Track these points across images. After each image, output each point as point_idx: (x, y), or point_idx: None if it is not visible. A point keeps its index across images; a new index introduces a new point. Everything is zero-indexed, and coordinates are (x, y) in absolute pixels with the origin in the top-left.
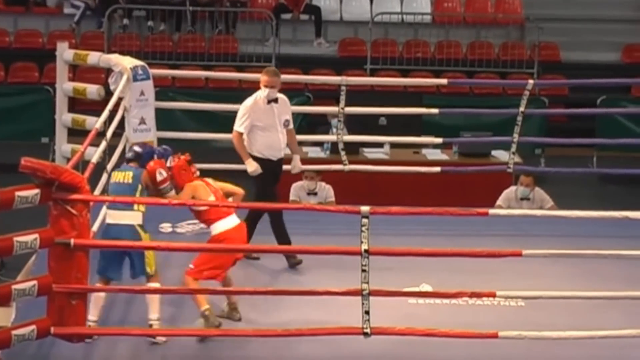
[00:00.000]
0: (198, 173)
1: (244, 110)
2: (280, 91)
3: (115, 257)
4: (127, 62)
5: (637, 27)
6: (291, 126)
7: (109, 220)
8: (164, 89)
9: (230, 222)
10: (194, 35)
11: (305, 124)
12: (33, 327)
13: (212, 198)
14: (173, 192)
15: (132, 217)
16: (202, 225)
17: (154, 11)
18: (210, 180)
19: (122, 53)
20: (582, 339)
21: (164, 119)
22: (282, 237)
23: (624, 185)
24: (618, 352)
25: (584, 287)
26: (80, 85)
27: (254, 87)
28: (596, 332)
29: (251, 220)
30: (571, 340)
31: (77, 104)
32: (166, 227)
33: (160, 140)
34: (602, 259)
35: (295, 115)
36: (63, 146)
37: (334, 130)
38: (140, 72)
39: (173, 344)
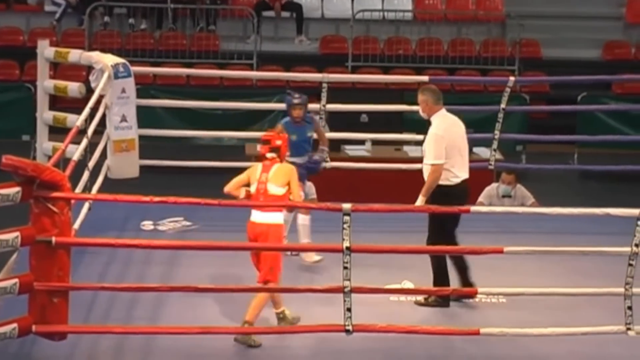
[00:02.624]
0: (271, 155)
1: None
2: (263, 89)
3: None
4: (108, 60)
5: (618, 24)
6: None
7: None
8: (145, 87)
9: (254, 216)
10: (175, 32)
11: None
12: (14, 325)
13: (254, 186)
14: None
15: None
16: (184, 222)
17: (135, 8)
18: (278, 169)
19: (103, 50)
20: (563, 336)
21: (146, 117)
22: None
23: (604, 182)
24: (599, 349)
25: (566, 284)
26: (61, 82)
27: (235, 84)
28: (577, 328)
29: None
30: (552, 337)
31: (58, 101)
32: (148, 224)
33: (142, 138)
34: (584, 255)
35: (276, 113)
36: (44, 144)
37: None
38: (121, 69)
39: (157, 341)
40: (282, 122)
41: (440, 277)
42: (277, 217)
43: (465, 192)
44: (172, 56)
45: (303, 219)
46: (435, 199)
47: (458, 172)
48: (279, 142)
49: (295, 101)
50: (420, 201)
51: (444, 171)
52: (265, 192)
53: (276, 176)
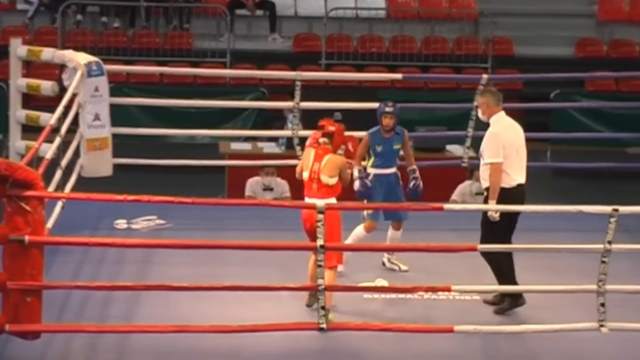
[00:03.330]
0: (322, 140)
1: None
2: (237, 87)
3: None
4: (81, 58)
5: (590, 22)
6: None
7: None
8: (118, 85)
9: (309, 201)
10: (149, 31)
11: (261, 119)
12: None
13: (306, 173)
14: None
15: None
16: (158, 221)
17: (108, 7)
18: (330, 159)
19: (76, 49)
20: (537, 333)
21: (119, 115)
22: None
23: (577, 179)
24: (573, 345)
25: (539, 281)
26: (34, 81)
27: (208, 82)
28: (551, 325)
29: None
30: (527, 334)
31: (31, 100)
32: (121, 223)
33: (115, 137)
34: (557, 252)
35: (250, 111)
36: (17, 143)
37: (290, 125)
38: (94, 68)
39: (130, 339)
40: (370, 131)
41: (506, 279)
42: (330, 201)
43: (523, 197)
44: (146, 54)
45: (394, 234)
46: (498, 202)
47: (515, 175)
48: (332, 128)
49: (387, 109)
50: (491, 203)
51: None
52: (319, 181)
53: (327, 166)
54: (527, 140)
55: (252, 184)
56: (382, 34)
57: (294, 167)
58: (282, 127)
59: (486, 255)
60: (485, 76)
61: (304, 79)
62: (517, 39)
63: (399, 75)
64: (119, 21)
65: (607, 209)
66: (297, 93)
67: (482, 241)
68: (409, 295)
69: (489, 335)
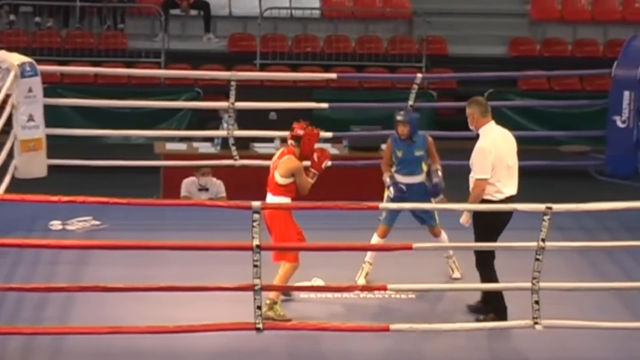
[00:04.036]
0: (290, 142)
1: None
2: (172, 87)
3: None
4: (14, 59)
5: (523, 21)
6: None
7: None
8: (52, 86)
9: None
10: (82, 31)
11: (196, 119)
12: None
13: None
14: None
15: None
16: (93, 222)
17: (41, 7)
18: (287, 160)
19: (9, 49)
20: (472, 331)
21: (53, 116)
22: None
23: None
24: (506, 343)
25: (474, 278)
26: None
27: (143, 82)
28: (486, 323)
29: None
30: (461, 331)
31: None
32: (56, 224)
33: (49, 137)
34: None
35: (185, 111)
36: None
37: (225, 125)
38: (28, 68)
39: (65, 341)
40: (391, 136)
41: (492, 293)
42: (274, 199)
43: (509, 211)
44: (80, 55)
45: (437, 240)
46: (479, 215)
47: (503, 188)
48: (300, 132)
49: (398, 117)
50: (466, 215)
51: (488, 186)
52: (272, 177)
53: (281, 166)
54: (461, 139)
55: (188, 184)
56: (317, 34)
57: (229, 167)
58: (217, 127)
59: (479, 267)
60: (419, 75)
61: (239, 79)
62: (451, 39)
63: (333, 75)
64: (52, 21)
65: (541, 206)
66: (232, 93)
67: (477, 257)
68: (344, 295)
69: (424, 334)
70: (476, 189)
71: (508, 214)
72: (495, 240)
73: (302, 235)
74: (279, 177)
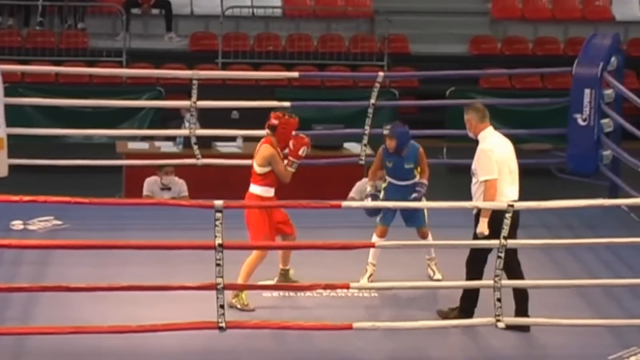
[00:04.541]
0: (267, 131)
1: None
2: (133, 86)
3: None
4: None
5: (484, 20)
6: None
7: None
8: (13, 85)
9: None
10: (43, 30)
11: (158, 118)
12: None
13: None
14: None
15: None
16: (55, 222)
17: (2, 6)
18: (262, 148)
19: None
20: (435, 329)
21: (14, 115)
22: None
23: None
24: (469, 340)
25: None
26: None
27: (104, 82)
28: (449, 321)
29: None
30: (425, 330)
31: None
32: (17, 224)
33: (10, 137)
34: (453, 248)
35: (147, 110)
36: None
37: (187, 124)
38: None
39: (28, 341)
40: (383, 146)
41: (469, 291)
42: (254, 189)
43: (516, 216)
44: (41, 54)
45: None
46: (493, 221)
47: (506, 192)
48: (275, 121)
49: (385, 132)
50: (482, 224)
51: None
52: (252, 168)
53: (258, 155)
54: (422, 137)
55: (150, 183)
56: (279, 33)
57: (191, 166)
58: (179, 127)
59: (467, 265)
60: (381, 74)
61: (201, 77)
62: (413, 37)
63: (295, 74)
64: (13, 20)
65: (503, 204)
66: (194, 92)
67: (470, 255)
68: (307, 293)
69: (387, 332)
70: (488, 191)
71: (514, 221)
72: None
73: (287, 226)
74: (256, 167)
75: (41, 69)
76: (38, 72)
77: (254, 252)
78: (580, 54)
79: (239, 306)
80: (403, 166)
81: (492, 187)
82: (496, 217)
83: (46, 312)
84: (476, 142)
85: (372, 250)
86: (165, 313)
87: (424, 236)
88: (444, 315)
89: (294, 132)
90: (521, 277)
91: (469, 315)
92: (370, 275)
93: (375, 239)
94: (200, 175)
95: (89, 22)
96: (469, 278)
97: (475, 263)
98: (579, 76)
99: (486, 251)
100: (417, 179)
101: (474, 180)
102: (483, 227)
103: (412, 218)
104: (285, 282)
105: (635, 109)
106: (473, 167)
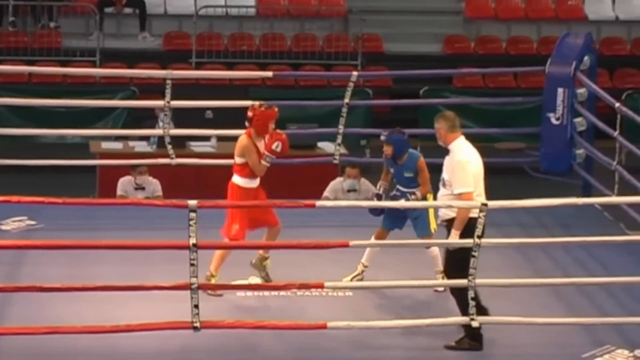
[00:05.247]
0: (247, 124)
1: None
2: (107, 86)
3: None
4: None
5: (458, 19)
6: None
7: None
8: None
9: None
10: (16, 30)
11: (132, 118)
12: None
13: None
14: None
15: None
16: (29, 222)
17: None
18: (239, 140)
19: None
20: (408, 328)
21: None
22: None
23: None
24: (441, 340)
25: (410, 275)
26: None
27: (78, 81)
28: (422, 320)
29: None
30: (398, 329)
31: None
32: None
33: None
34: (427, 248)
35: (121, 110)
36: None
37: (161, 124)
38: None
39: (2, 342)
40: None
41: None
42: (235, 179)
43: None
44: (13, 54)
45: (432, 250)
46: (467, 233)
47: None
48: (249, 114)
49: (382, 137)
50: (454, 235)
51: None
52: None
53: (236, 146)
54: None
55: (124, 183)
56: (252, 32)
57: (165, 166)
58: (153, 126)
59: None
60: (355, 73)
61: (175, 77)
62: (386, 36)
63: (269, 73)
64: None
65: (477, 203)
66: (168, 92)
67: (451, 273)
68: (282, 293)
69: (361, 331)
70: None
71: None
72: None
73: (271, 217)
74: (236, 157)
75: (14, 69)
76: (11, 72)
77: (226, 240)
78: (553, 53)
79: (209, 291)
80: (403, 174)
81: (469, 201)
82: (471, 229)
83: (20, 313)
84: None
85: (367, 250)
86: (139, 313)
87: (427, 246)
88: (451, 347)
89: (273, 125)
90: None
91: (479, 338)
92: (357, 275)
93: (372, 240)
94: (174, 175)
95: (63, 22)
96: (462, 302)
97: (460, 271)
98: (552, 75)
99: (468, 257)
100: (418, 193)
101: (443, 190)
102: (455, 237)
103: (416, 226)
104: (259, 268)
105: (608, 108)
106: (445, 177)
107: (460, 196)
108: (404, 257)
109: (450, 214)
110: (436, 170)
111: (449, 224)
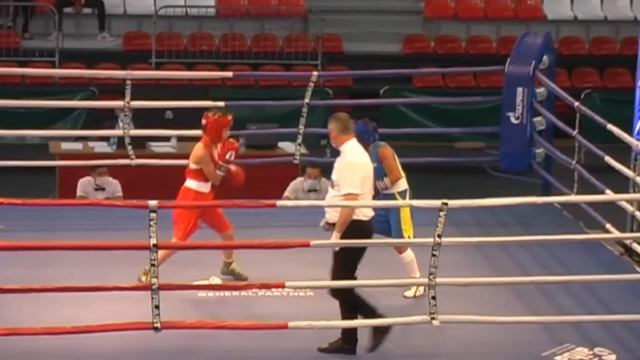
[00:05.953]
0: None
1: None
2: (66, 86)
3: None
4: None
5: (417, 19)
6: None
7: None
8: None
9: None
10: None
11: (91, 118)
12: None
13: None
14: None
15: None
16: None
17: None
18: (194, 147)
19: None
20: (369, 327)
21: None
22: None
23: (408, 173)
24: (403, 338)
25: (370, 275)
26: None
27: (37, 82)
28: (384, 319)
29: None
30: (360, 328)
31: None
32: None
33: None
34: (388, 247)
35: (80, 110)
36: None
37: (120, 124)
38: None
39: None
40: None
41: (351, 312)
42: (189, 183)
43: (372, 229)
44: None
45: (406, 256)
46: (349, 236)
47: (365, 210)
48: (203, 121)
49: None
50: (335, 237)
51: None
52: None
53: (192, 153)
54: None
55: (84, 184)
56: (212, 32)
57: (125, 166)
58: (113, 127)
59: (334, 292)
60: (315, 73)
61: (134, 77)
62: (346, 36)
63: (229, 74)
64: None
65: (437, 203)
66: (128, 92)
67: (337, 274)
68: (243, 293)
69: (322, 330)
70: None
71: (371, 233)
72: (357, 265)
73: (222, 223)
74: (190, 163)
75: None
76: None
77: (174, 240)
78: (512, 52)
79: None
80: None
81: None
82: (355, 229)
83: None
84: (338, 152)
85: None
86: (100, 314)
87: (400, 251)
88: (323, 350)
89: (227, 132)
90: (343, 288)
91: (352, 347)
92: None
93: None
94: (134, 176)
95: (21, 22)
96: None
97: (346, 272)
98: (511, 75)
99: (351, 269)
100: (387, 180)
101: (331, 191)
102: (336, 239)
103: (393, 230)
104: (228, 274)
105: (567, 107)
106: (334, 178)
107: (345, 197)
108: (375, 257)
109: (336, 214)
110: (405, 170)
111: (333, 227)
